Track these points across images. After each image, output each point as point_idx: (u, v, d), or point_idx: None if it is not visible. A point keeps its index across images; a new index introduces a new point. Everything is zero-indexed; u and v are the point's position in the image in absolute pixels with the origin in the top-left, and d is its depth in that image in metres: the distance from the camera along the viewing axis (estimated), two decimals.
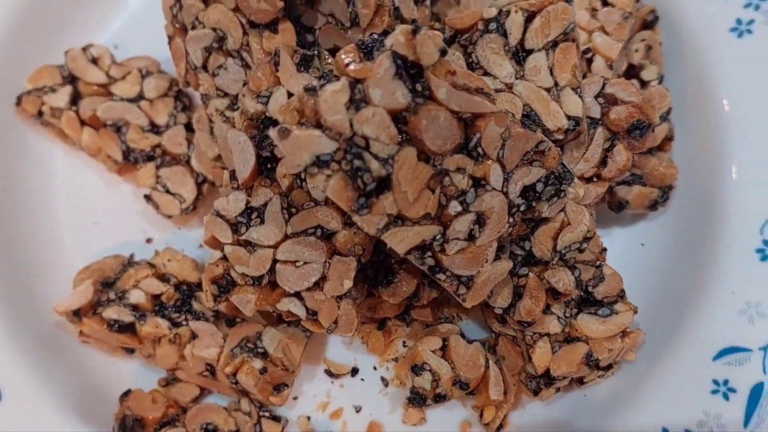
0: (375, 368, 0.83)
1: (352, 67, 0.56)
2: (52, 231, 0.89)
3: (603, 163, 0.78)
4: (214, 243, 0.71)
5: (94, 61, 0.89)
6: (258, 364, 0.73)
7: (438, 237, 0.63)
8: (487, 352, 0.81)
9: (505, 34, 0.73)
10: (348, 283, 0.69)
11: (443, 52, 0.58)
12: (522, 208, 0.67)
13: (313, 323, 0.70)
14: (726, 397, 0.74)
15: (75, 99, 0.87)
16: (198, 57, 0.75)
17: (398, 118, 0.59)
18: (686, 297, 0.83)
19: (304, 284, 0.69)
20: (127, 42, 0.98)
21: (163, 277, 0.78)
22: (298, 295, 0.70)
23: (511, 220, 0.66)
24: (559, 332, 0.75)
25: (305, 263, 0.68)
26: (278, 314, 0.73)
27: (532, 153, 0.65)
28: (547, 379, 0.76)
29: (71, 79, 0.88)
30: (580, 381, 0.79)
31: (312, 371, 0.83)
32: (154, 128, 0.86)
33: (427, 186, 0.61)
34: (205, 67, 0.76)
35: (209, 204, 0.89)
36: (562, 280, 0.73)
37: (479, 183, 0.63)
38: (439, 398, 0.77)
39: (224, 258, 0.71)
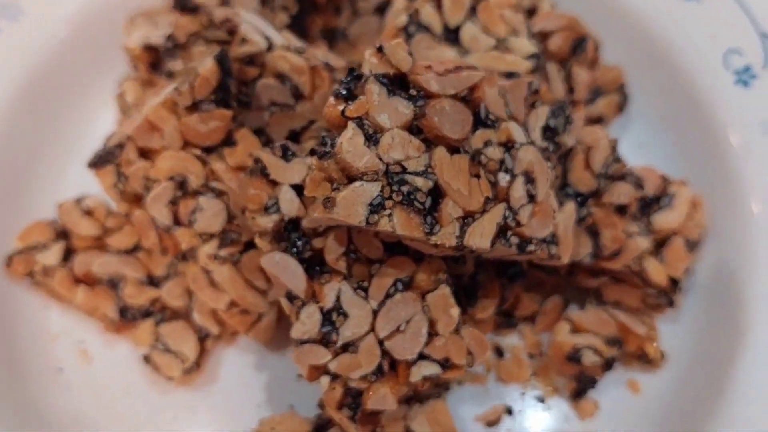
0: (523, 393, 0.78)
1: (351, 107, 0.56)
2: None
3: (570, 91, 0.81)
4: (316, 371, 0.66)
5: (89, 213, 0.81)
6: None
7: (507, 213, 0.62)
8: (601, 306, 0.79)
9: (427, 29, 0.74)
10: (455, 311, 0.65)
11: (410, 53, 0.59)
12: (551, 149, 0.68)
13: (451, 370, 0.65)
14: None
15: (68, 255, 0.79)
16: (166, 215, 0.72)
17: (411, 129, 0.59)
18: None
19: (420, 341, 0.64)
20: None
21: None
22: (422, 357, 0.65)
23: (549, 164, 0.66)
24: (649, 245, 0.74)
25: (407, 322, 0.65)
26: (408, 395, 0.67)
27: (529, 96, 0.66)
28: (673, 285, 0.74)
29: (63, 234, 0.80)
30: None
31: None
32: (153, 281, 0.78)
33: (471, 173, 0.60)
34: (177, 222, 0.73)
35: (213, 362, 0.80)
36: (619, 192, 0.73)
37: (508, 146, 0.63)
38: (610, 364, 0.73)
39: (334, 377, 0.66)
